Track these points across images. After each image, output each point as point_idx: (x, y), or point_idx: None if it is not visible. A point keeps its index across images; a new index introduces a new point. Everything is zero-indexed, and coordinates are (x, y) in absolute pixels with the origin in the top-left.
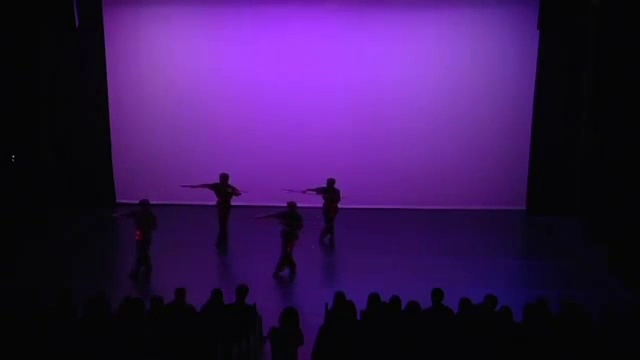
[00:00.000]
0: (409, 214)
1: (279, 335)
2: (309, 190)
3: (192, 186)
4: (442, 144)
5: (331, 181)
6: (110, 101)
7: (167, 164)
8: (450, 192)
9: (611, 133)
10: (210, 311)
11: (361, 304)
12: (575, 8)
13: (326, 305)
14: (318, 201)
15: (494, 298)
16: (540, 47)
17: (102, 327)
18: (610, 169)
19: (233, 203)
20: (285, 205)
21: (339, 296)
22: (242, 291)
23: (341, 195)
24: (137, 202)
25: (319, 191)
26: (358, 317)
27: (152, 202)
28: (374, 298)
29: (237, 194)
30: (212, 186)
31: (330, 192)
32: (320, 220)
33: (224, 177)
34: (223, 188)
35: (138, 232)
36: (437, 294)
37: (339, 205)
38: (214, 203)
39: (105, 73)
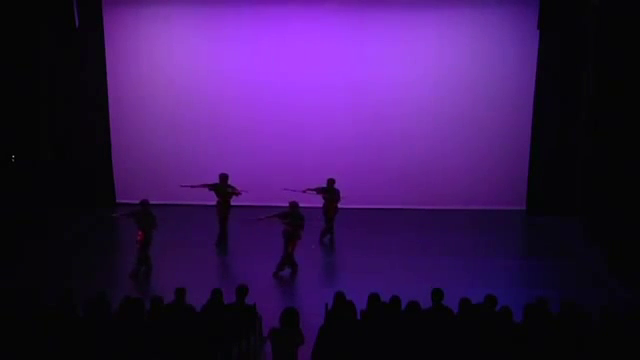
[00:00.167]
0: (409, 214)
1: (279, 335)
2: (309, 190)
3: (192, 186)
4: (442, 144)
5: (331, 181)
6: (110, 101)
7: (167, 164)
8: (450, 192)
9: (611, 133)
10: (210, 311)
11: (361, 304)
12: (575, 8)
13: (326, 305)
14: (318, 201)
15: (494, 298)
16: (540, 47)
17: (102, 327)
18: (610, 169)
19: (233, 203)
20: (285, 205)
21: (339, 296)
22: (242, 291)
23: (341, 195)
24: (137, 202)
25: (319, 191)
26: (358, 317)
27: (152, 202)
28: (374, 298)
29: (237, 194)
30: (212, 186)
31: (330, 192)
32: (320, 220)
33: (224, 177)
34: (223, 188)
35: (140, 232)
36: (437, 294)
37: (339, 205)
38: (214, 203)
39: (105, 73)
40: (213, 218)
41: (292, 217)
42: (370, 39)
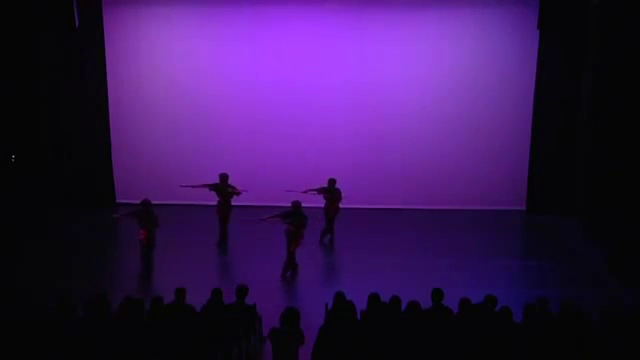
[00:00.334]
0: (409, 214)
1: (279, 335)
2: (310, 190)
3: (192, 186)
4: (442, 144)
5: (332, 181)
6: (110, 101)
7: (167, 164)
8: (450, 192)
9: (611, 133)
10: (210, 311)
11: (361, 304)
12: (575, 8)
13: (326, 305)
14: (319, 201)
15: (494, 298)
16: (540, 47)
17: (102, 327)
18: (610, 169)
19: (234, 203)
20: (284, 205)
21: (339, 296)
22: (242, 291)
23: (342, 195)
24: (137, 202)
25: (320, 191)
26: (358, 317)
27: (152, 202)
28: (374, 298)
29: (237, 194)
30: (212, 186)
31: (331, 192)
32: (322, 220)
33: (224, 177)
34: (223, 188)
35: (142, 232)
36: (437, 294)
37: (340, 205)
38: (214, 203)
39: (105, 73)
40: (213, 218)
41: (295, 217)
42: (370, 39)
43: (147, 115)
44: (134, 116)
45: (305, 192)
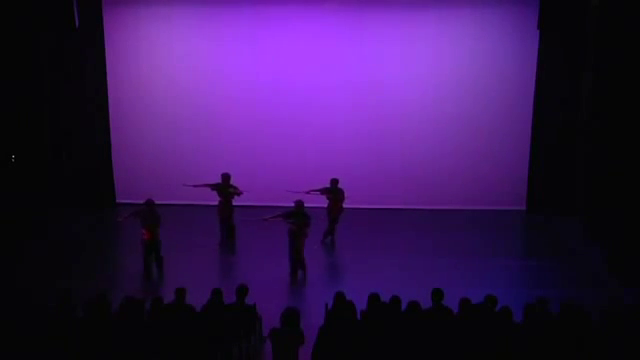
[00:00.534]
0: (409, 214)
1: (280, 335)
2: (313, 190)
3: (194, 185)
4: (442, 144)
5: (335, 181)
6: (110, 101)
7: (167, 164)
8: (450, 192)
9: (611, 133)
10: (210, 311)
11: (361, 304)
12: (575, 8)
13: (326, 305)
14: (321, 201)
15: (494, 298)
16: (540, 47)
17: (102, 327)
18: (610, 169)
19: (235, 203)
20: (284, 205)
21: (339, 296)
22: (242, 291)
23: (345, 195)
24: (137, 202)
25: (323, 191)
26: (358, 317)
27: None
28: (374, 298)
29: (238, 194)
30: (214, 186)
31: (334, 192)
32: (324, 220)
33: (226, 177)
34: (225, 188)
35: (145, 232)
36: (437, 294)
37: (344, 205)
38: (215, 203)
39: (105, 73)
40: (213, 218)
41: (297, 216)
42: (370, 39)
43: (147, 115)
44: (134, 116)
45: (308, 192)
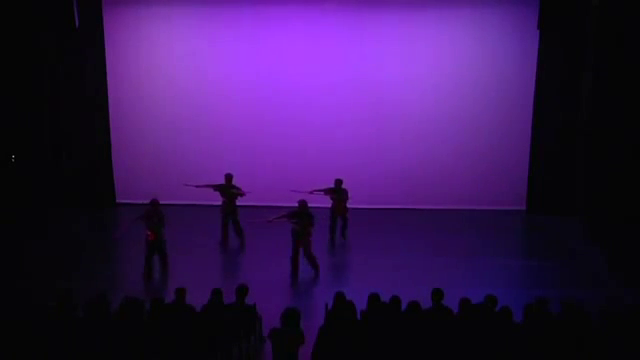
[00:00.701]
0: (409, 214)
1: (279, 335)
2: (316, 190)
3: (197, 186)
4: (442, 144)
5: (339, 181)
6: (110, 101)
7: (167, 164)
8: (450, 192)
9: (611, 133)
10: (210, 311)
11: (361, 304)
12: (575, 8)
13: (326, 305)
14: (324, 201)
15: (494, 298)
16: (540, 47)
17: (102, 327)
18: (610, 169)
19: (237, 203)
20: (285, 205)
21: (339, 296)
22: (242, 291)
23: (349, 195)
24: (137, 202)
25: (327, 191)
26: (358, 317)
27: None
28: (374, 298)
29: (241, 194)
30: (216, 186)
31: (338, 192)
32: (327, 220)
33: (229, 177)
34: (227, 188)
35: (149, 232)
36: (437, 294)
37: (348, 205)
38: (216, 203)
39: (105, 73)
40: (213, 218)
41: (301, 216)
42: (370, 39)
43: (147, 115)
44: (134, 116)
45: (311, 192)
